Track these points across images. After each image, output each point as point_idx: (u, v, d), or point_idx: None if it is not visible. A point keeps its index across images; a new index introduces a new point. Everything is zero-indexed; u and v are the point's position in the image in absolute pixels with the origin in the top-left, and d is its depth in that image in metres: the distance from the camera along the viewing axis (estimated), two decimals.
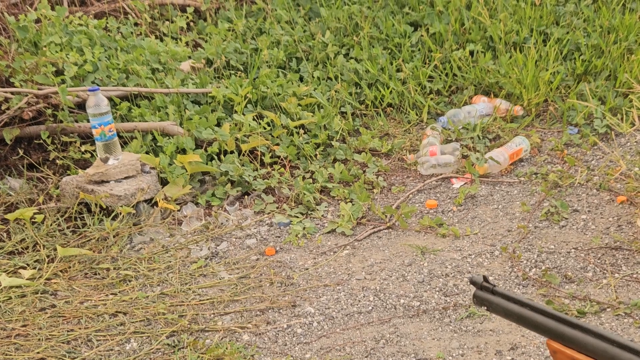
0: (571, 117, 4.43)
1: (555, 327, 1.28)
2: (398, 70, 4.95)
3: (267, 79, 4.64)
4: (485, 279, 1.39)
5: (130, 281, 3.30)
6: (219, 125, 4.30)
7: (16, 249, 3.55)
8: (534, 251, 3.29)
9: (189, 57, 5.03)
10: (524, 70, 4.63)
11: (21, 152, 4.16)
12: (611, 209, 3.56)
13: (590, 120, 4.38)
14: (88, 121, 3.91)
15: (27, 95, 4.12)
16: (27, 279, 3.25)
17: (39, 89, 4.20)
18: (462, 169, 4.06)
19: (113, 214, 3.67)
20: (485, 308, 1.39)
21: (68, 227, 3.68)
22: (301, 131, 4.33)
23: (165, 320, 2.99)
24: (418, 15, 5.30)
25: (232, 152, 4.11)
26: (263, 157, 4.15)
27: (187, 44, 5.41)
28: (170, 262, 3.42)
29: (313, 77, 4.94)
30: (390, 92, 4.79)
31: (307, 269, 3.33)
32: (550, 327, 1.28)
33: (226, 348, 2.77)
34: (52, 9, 5.10)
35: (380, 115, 4.71)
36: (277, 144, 4.27)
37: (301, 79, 5.00)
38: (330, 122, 4.43)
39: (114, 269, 3.38)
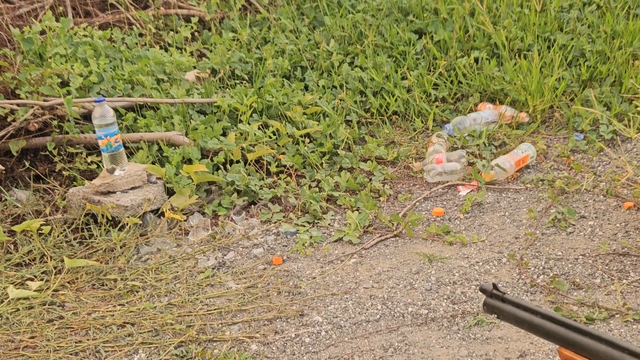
0: (577, 124, 4.43)
1: (566, 335, 1.28)
2: (403, 78, 4.95)
3: (272, 88, 4.64)
4: (495, 286, 1.39)
5: (137, 292, 3.30)
6: (224, 134, 4.30)
7: (23, 261, 3.55)
8: (541, 258, 3.28)
9: (194, 67, 5.04)
10: (528, 77, 4.63)
11: (27, 164, 4.16)
12: (618, 215, 3.55)
13: (596, 126, 4.38)
14: (94, 132, 3.91)
15: (32, 107, 4.13)
16: (34, 291, 3.26)
17: (44, 101, 4.21)
18: (469, 176, 4.06)
19: (120, 225, 3.67)
20: (496, 316, 1.39)
21: (75, 238, 3.68)
22: (307, 140, 4.33)
23: (173, 330, 2.99)
24: (422, 23, 5.30)
25: (238, 162, 4.12)
26: (269, 167, 4.15)
27: (191, 54, 5.42)
28: (177, 272, 3.42)
29: (318, 85, 4.95)
30: (396, 100, 4.79)
31: (314, 277, 3.33)
32: (562, 334, 1.28)
33: (234, 358, 2.77)
34: (57, 20, 5.11)
35: (385, 123, 4.71)
36: (283, 153, 4.27)
37: (306, 87, 5.00)
38: (336, 130, 4.43)
39: (121, 279, 3.38)
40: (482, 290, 1.40)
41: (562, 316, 1.29)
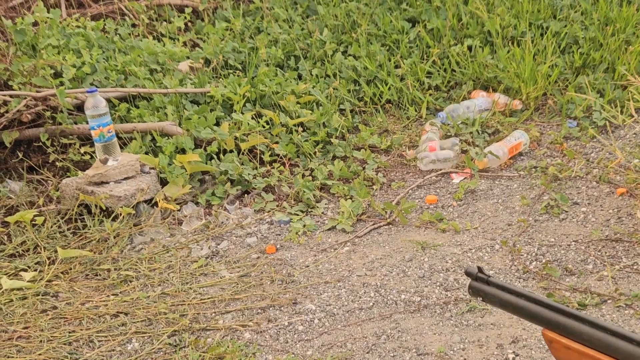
0: (570, 110, 4.43)
1: (550, 317, 1.28)
2: (396, 67, 4.95)
3: (265, 78, 4.63)
4: (480, 269, 1.39)
5: (131, 281, 3.30)
6: (217, 124, 4.30)
7: (17, 252, 3.55)
8: (534, 244, 3.29)
9: (187, 57, 5.03)
10: (522, 64, 4.63)
11: (21, 155, 4.16)
12: (611, 201, 3.56)
13: (589, 113, 4.38)
14: (87, 123, 3.91)
15: (25, 98, 4.12)
16: (28, 281, 3.26)
17: (37, 92, 4.20)
18: (462, 163, 4.06)
19: (113, 215, 3.67)
20: (481, 299, 1.39)
21: (68, 229, 3.68)
22: (300, 129, 4.33)
23: (167, 319, 2.99)
24: (415, 11, 5.30)
25: (231, 151, 4.11)
26: (262, 156, 4.15)
27: (184, 44, 5.41)
28: (171, 261, 3.43)
29: (311, 74, 4.95)
30: (389, 88, 4.79)
31: (307, 266, 3.33)
32: (546, 316, 1.28)
33: (227, 346, 2.78)
34: (48, 11, 5.10)
35: (379, 111, 4.71)
36: (277, 142, 4.27)
37: (299, 77, 5.00)
38: (329, 119, 4.43)
39: (115, 269, 3.39)
40: (468, 273, 1.40)
41: (546, 298, 1.30)
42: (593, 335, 1.22)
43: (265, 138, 4.22)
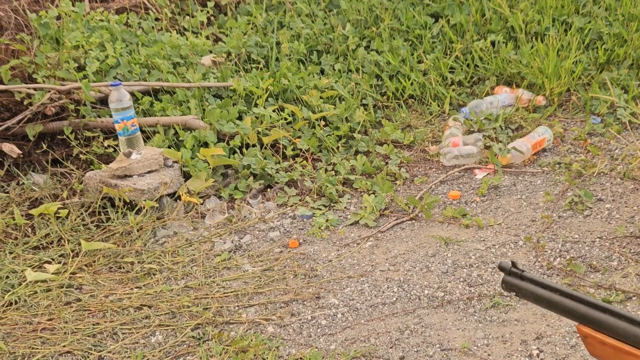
0: (594, 107, 4.41)
1: (585, 312, 1.27)
2: (419, 62, 4.93)
3: (288, 72, 4.63)
4: (513, 264, 1.38)
5: (154, 275, 3.31)
6: (240, 118, 4.30)
7: (41, 244, 3.57)
8: (558, 241, 3.27)
9: (210, 52, 5.03)
10: (545, 60, 4.60)
11: (45, 148, 4.17)
12: (636, 197, 3.53)
13: (613, 109, 4.36)
14: (111, 116, 3.92)
15: (49, 91, 4.13)
16: (52, 274, 3.27)
17: (61, 85, 4.21)
18: (485, 159, 4.05)
19: (137, 208, 3.68)
20: (514, 294, 1.38)
21: (92, 222, 3.69)
22: (322, 123, 4.32)
23: (190, 313, 3.00)
24: (439, 6, 5.28)
25: (254, 145, 4.12)
26: (285, 150, 4.15)
27: (207, 38, 5.41)
28: (194, 255, 3.43)
29: (334, 69, 4.94)
30: (412, 83, 4.78)
31: (330, 260, 3.33)
32: (581, 311, 1.28)
33: (251, 340, 2.78)
34: (73, 5, 5.12)
35: (401, 106, 4.70)
36: (299, 137, 4.27)
37: (322, 71, 4.99)
38: (352, 114, 4.42)
39: (138, 262, 3.39)
40: (501, 268, 1.40)
41: (580, 293, 1.29)
42: (629, 330, 1.21)
43: (288, 132, 4.22)
